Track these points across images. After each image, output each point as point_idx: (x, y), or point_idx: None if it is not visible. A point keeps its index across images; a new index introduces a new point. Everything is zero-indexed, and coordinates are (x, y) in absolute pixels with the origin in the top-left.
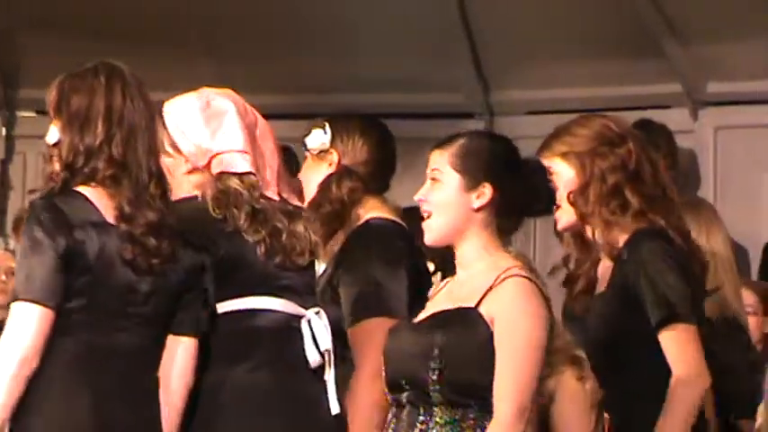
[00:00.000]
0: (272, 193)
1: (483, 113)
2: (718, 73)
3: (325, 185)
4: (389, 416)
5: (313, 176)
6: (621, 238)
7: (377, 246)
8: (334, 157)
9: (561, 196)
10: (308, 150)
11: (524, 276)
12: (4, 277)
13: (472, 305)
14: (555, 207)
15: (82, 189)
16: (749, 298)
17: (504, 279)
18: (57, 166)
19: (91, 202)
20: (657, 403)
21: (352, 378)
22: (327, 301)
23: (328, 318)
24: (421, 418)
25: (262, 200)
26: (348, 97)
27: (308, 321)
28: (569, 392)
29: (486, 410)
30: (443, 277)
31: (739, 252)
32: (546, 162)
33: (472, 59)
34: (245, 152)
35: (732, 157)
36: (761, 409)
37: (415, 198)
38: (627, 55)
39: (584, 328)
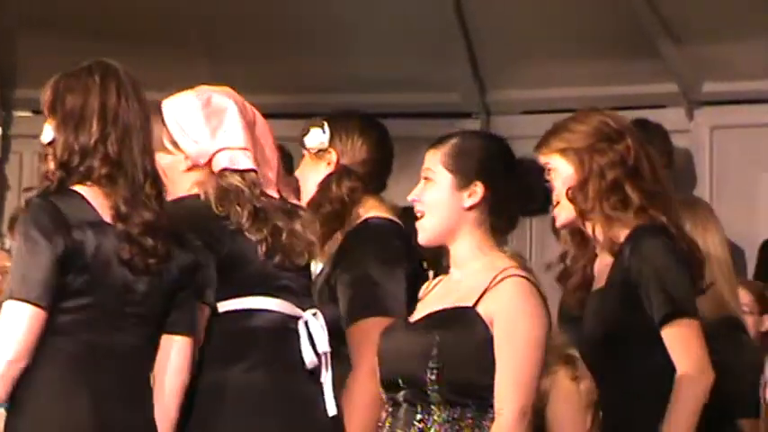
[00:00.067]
0: (272, 191)
1: (479, 113)
2: (714, 73)
3: (325, 185)
4: (383, 414)
5: (311, 175)
6: (622, 234)
7: (375, 245)
8: (333, 156)
9: (560, 192)
10: (307, 149)
11: (523, 276)
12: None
13: (470, 305)
14: (554, 203)
15: (78, 188)
16: (745, 297)
17: (502, 279)
18: (51, 165)
19: (88, 202)
20: (658, 403)
21: (349, 377)
22: (325, 301)
23: (325, 317)
24: (418, 416)
25: (262, 198)
26: (345, 97)
27: (305, 322)
28: (563, 392)
29: (483, 409)
30: (435, 275)
31: (735, 252)
32: (544, 158)
33: (469, 59)
34: (247, 149)
35: (728, 156)
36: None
37: (409, 198)
38: (623, 55)
39: (581, 327)
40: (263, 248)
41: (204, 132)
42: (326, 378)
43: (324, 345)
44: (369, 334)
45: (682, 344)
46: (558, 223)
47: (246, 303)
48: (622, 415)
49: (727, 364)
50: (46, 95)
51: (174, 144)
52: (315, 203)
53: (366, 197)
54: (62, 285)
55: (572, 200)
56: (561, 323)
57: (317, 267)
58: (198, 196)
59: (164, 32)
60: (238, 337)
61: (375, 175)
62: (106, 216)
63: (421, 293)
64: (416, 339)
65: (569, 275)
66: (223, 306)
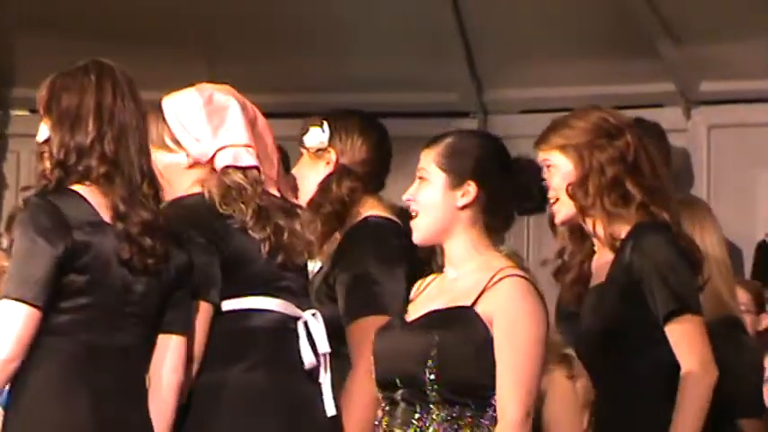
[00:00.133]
0: (272, 189)
1: (477, 112)
2: (712, 72)
3: (325, 185)
4: (380, 413)
5: (309, 174)
6: (623, 230)
7: (374, 244)
8: (332, 155)
9: (560, 189)
10: (306, 148)
11: (521, 276)
12: None
13: (468, 304)
14: (553, 200)
15: (77, 188)
16: (742, 297)
17: (500, 279)
18: (47, 164)
19: (87, 201)
20: (657, 402)
21: (348, 376)
22: (323, 300)
23: (323, 316)
24: (417, 415)
25: (264, 196)
26: (343, 96)
27: (305, 323)
28: (560, 392)
29: (482, 408)
30: (423, 276)
31: (732, 251)
32: (543, 155)
33: (466, 59)
34: (250, 146)
35: (725, 155)
36: None
37: (404, 198)
38: (620, 54)
39: (577, 323)
40: (266, 247)
41: (206, 130)
42: (325, 379)
43: (324, 346)
44: (368, 333)
45: (686, 340)
46: (558, 220)
47: (247, 303)
48: (620, 414)
49: (727, 363)
50: (42, 95)
51: (176, 142)
52: (315, 203)
53: (365, 197)
54: (61, 286)
55: (572, 196)
56: (558, 322)
57: (314, 266)
58: (199, 195)
59: (163, 32)
60: (238, 336)
61: (374, 175)
62: (105, 216)
63: (413, 294)
64: (415, 339)
65: (566, 271)
66: (224, 305)
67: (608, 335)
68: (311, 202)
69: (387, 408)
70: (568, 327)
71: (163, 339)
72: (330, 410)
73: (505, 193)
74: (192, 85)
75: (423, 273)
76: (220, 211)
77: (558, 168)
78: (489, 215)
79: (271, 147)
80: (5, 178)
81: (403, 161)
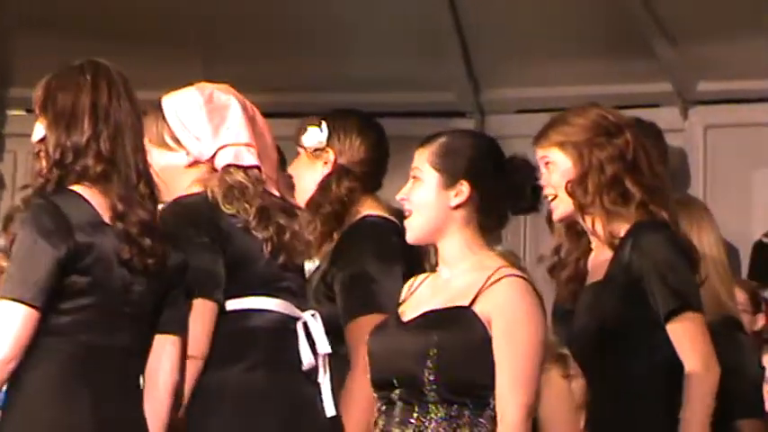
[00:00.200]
0: (272, 189)
1: (473, 112)
2: (709, 72)
3: (325, 185)
4: (376, 412)
5: (307, 174)
6: (622, 229)
7: (372, 243)
8: (330, 155)
9: (558, 186)
10: (304, 148)
11: (519, 276)
12: None
13: (465, 304)
14: (551, 197)
15: (76, 188)
16: (739, 296)
17: (498, 279)
18: (43, 163)
19: (88, 202)
20: (657, 402)
21: (347, 375)
22: (321, 299)
23: (321, 315)
24: (415, 414)
25: (265, 196)
26: (339, 96)
27: (304, 323)
28: (555, 391)
29: (481, 408)
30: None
31: (729, 251)
32: (542, 151)
33: (463, 58)
34: (251, 145)
35: (722, 155)
36: None
37: (397, 197)
38: (617, 54)
39: (572, 321)
40: (269, 247)
41: (207, 129)
42: (325, 379)
43: (324, 347)
44: (367, 332)
45: (688, 339)
46: (556, 217)
47: (248, 303)
48: (618, 414)
49: (726, 364)
50: (37, 94)
51: (176, 140)
52: (314, 203)
53: (363, 197)
54: (63, 287)
55: (571, 194)
56: (554, 321)
57: (311, 265)
58: (201, 194)
59: (161, 32)
60: (239, 336)
61: (372, 175)
62: (105, 216)
63: (404, 293)
64: (413, 339)
65: (562, 268)
66: (225, 305)
67: (605, 334)
68: (310, 202)
69: (383, 408)
70: (565, 326)
71: (158, 339)
72: (330, 411)
73: (499, 192)
74: (190, 84)
75: (421, 272)
76: (223, 210)
77: (557, 165)
78: (483, 215)
79: (270, 146)
80: (2, 178)
81: (400, 161)
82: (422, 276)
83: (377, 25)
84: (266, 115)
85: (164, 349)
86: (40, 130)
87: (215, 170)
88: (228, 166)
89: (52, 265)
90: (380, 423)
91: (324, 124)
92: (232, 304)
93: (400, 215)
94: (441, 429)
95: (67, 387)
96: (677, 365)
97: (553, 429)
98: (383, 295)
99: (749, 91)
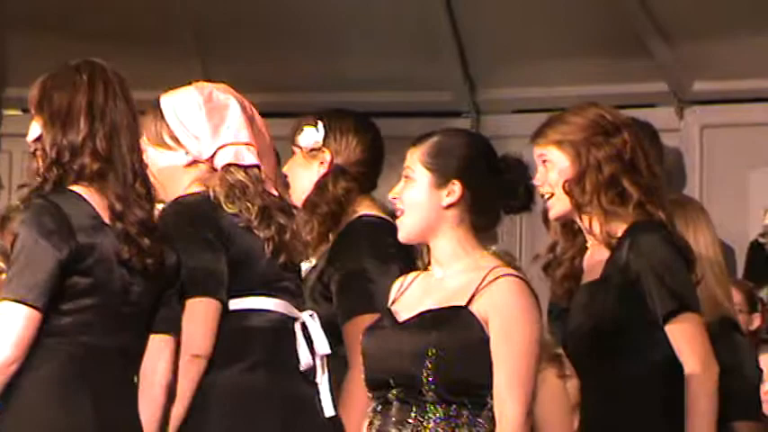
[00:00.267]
0: (271, 189)
1: (470, 112)
2: (705, 72)
3: (322, 186)
4: (370, 412)
5: (302, 174)
6: (620, 229)
7: (368, 242)
8: (327, 155)
9: (555, 184)
10: (300, 148)
11: (515, 276)
12: None
13: (462, 304)
14: (548, 195)
15: (76, 188)
16: (736, 296)
17: (495, 278)
18: (40, 162)
19: (88, 203)
20: (653, 403)
21: (346, 376)
22: (317, 298)
23: (318, 315)
24: (413, 414)
25: (265, 195)
26: (335, 96)
27: (302, 323)
28: (551, 391)
29: (479, 407)
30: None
31: (725, 251)
32: (540, 149)
33: (459, 58)
34: (251, 144)
35: (718, 155)
36: None
37: (389, 196)
38: (613, 54)
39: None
40: (270, 247)
41: (206, 128)
42: (323, 379)
43: (323, 347)
44: None
45: (686, 340)
46: (552, 215)
47: (247, 303)
48: (614, 414)
49: (724, 365)
50: (33, 93)
51: (174, 139)
52: (311, 203)
53: (360, 197)
54: (64, 288)
55: (569, 193)
56: (550, 321)
57: (308, 265)
58: (201, 193)
59: (156, 32)
60: (239, 336)
61: (368, 175)
62: (105, 217)
63: (394, 292)
64: (410, 339)
65: (557, 266)
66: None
67: (601, 334)
68: (307, 202)
69: (379, 408)
70: (560, 325)
71: (152, 339)
72: (329, 411)
73: (491, 192)
74: (184, 83)
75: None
76: (225, 209)
77: (554, 164)
78: (475, 214)
79: (268, 145)
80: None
81: (395, 161)
82: (411, 275)
83: (373, 25)
84: (262, 115)
85: (158, 349)
86: (35, 129)
87: (214, 169)
88: (229, 165)
89: (54, 266)
90: (376, 423)
91: (320, 124)
92: (233, 304)
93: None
94: (439, 429)
95: (68, 388)
96: (672, 366)
97: (549, 429)
98: (380, 295)
99: (745, 91)
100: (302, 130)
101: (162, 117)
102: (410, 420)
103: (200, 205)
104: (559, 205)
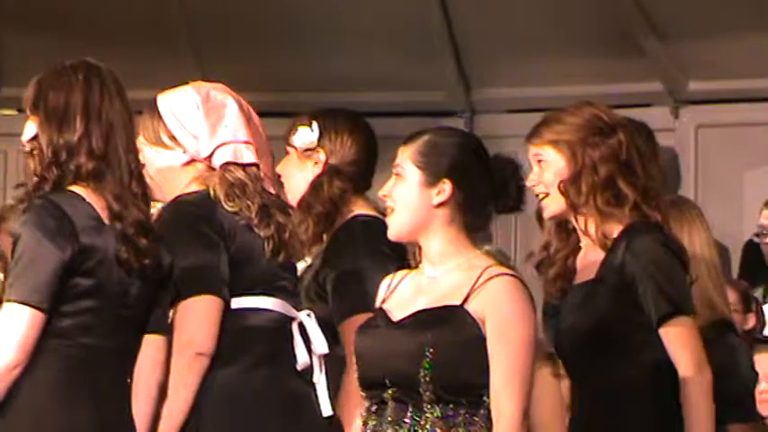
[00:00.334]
0: (269, 187)
1: (464, 112)
2: (700, 72)
3: (316, 185)
4: (364, 412)
5: (297, 174)
6: (615, 230)
7: (364, 242)
8: (321, 155)
9: (551, 184)
10: (294, 148)
11: (511, 275)
12: None
13: (458, 303)
14: (543, 195)
15: (75, 189)
16: (731, 296)
17: (489, 278)
18: (36, 161)
19: (88, 203)
20: (646, 404)
21: (343, 376)
22: (313, 298)
23: (315, 315)
24: (409, 414)
25: (264, 194)
26: (330, 95)
27: (300, 323)
28: (545, 390)
29: (476, 406)
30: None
31: (720, 250)
32: (535, 149)
33: (454, 58)
34: (250, 143)
35: (713, 155)
36: None
37: (379, 194)
38: (608, 53)
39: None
40: (270, 246)
41: (204, 127)
42: (320, 379)
43: (321, 346)
44: None
45: (680, 343)
46: (547, 215)
47: (247, 303)
48: (606, 414)
49: (719, 367)
50: (29, 93)
51: (172, 138)
52: (306, 203)
53: (354, 197)
54: (66, 289)
55: (564, 193)
56: (545, 320)
57: (303, 264)
58: (201, 192)
59: (151, 32)
60: (238, 335)
61: (362, 175)
62: (104, 217)
63: (383, 291)
64: (406, 338)
65: (550, 265)
66: None
67: (594, 334)
68: (302, 202)
69: (374, 407)
70: (555, 325)
71: (145, 340)
72: (326, 410)
73: (482, 191)
74: (179, 83)
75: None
76: (225, 208)
77: (550, 164)
78: (466, 213)
79: (265, 145)
80: None
81: (390, 160)
82: (400, 274)
83: (367, 25)
84: (257, 114)
85: (150, 349)
86: (31, 128)
87: (212, 168)
88: (228, 163)
89: (57, 267)
90: (371, 423)
91: (315, 124)
92: (232, 303)
93: None
94: (436, 429)
95: (69, 389)
96: (664, 368)
97: (543, 428)
98: (375, 295)
99: (740, 90)
100: (297, 129)
101: (159, 116)
102: (406, 420)
103: (201, 204)
104: (554, 205)
